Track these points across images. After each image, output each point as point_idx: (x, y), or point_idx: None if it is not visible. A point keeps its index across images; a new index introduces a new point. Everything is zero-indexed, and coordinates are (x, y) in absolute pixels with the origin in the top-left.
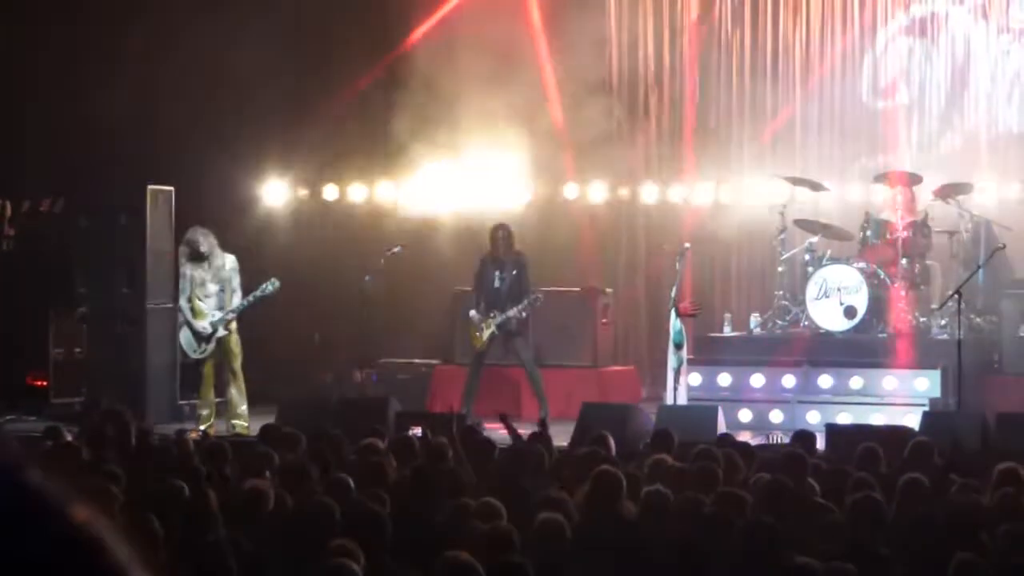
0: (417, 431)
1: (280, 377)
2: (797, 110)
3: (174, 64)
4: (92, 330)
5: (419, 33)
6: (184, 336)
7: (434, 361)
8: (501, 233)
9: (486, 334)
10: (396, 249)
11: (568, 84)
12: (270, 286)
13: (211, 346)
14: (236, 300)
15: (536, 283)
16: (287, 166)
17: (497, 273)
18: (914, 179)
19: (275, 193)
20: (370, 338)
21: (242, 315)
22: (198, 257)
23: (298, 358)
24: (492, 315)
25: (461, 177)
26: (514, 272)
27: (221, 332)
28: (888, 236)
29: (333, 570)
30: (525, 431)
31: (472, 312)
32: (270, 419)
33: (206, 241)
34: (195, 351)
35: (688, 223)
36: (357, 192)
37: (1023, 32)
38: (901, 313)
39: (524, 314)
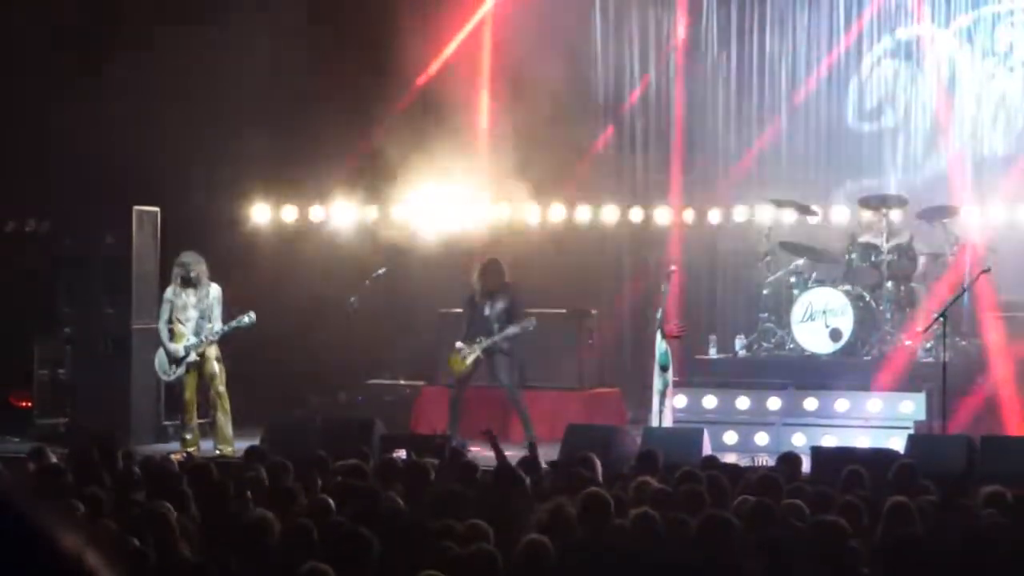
0: (401, 454)
1: (265, 399)
2: (783, 133)
3: (161, 85)
4: (76, 351)
5: (408, 57)
6: (158, 358)
7: (419, 383)
8: (492, 267)
9: (470, 359)
10: (381, 271)
11: (554, 107)
12: (246, 318)
13: (180, 370)
14: (216, 327)
15: (526, 308)
16: (273, 187)
17: (488, 303)
18: (899, 202)
19: (261, 214)
20: (355, 360)
21: (219, 341)
22: (188, 282)
23: (283, 380)
24: (478, 340)
25: (446, 199)
26: (504, 303)
27: (192, 357)
28: (873, 259)
29: None
30: (514, 454)
31: (458, 344)
32: (255, 441)
33: (197, 267)
34: (165, 373)
35: (674, 245)
36: (343, 213)
37: (1008, 55)
38: (886, 336)
39: (515, 334)
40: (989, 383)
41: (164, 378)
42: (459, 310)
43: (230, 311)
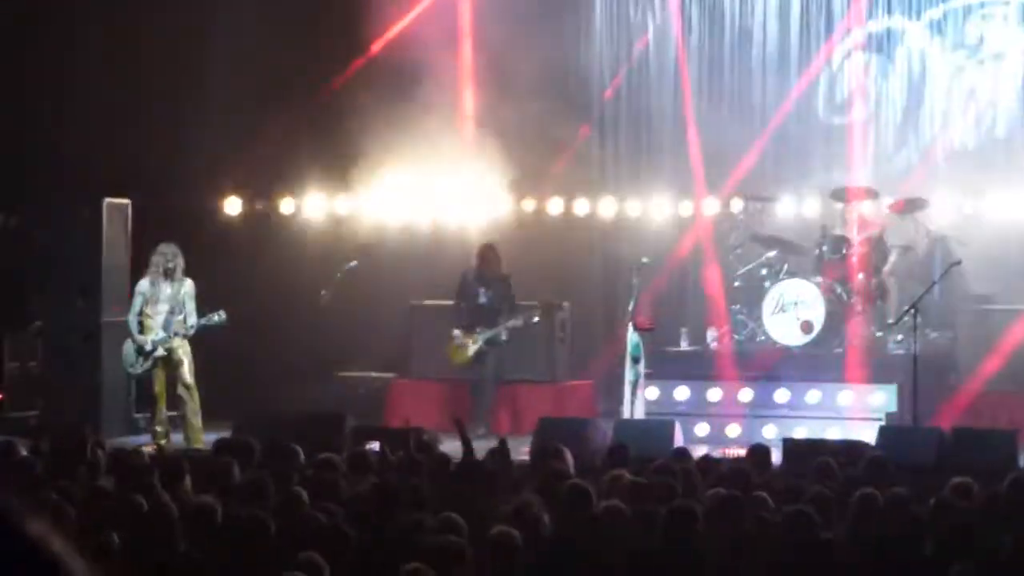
0: (374, 445)
1: (235, 392)
2: (755, 124)
3: (131, 77)
4: (47, 344)
5: (378, 45)
6: (126, 349)
7: (390, 375)
8: (491, 254)
9: (471, 349)
10: (352, 264)
11: (524, 98)
12: (216, 317)
13: (148, 363)
14: (189, 321)
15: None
16: (244, 179)
17: (482, 290)
18: (870, 194)
19: (232, 206)
20: (326, 353)
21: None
22: (165, 273)
23: (254, 373)
24: (478, 331)
25: (418, 191)
26: (499, 290)
27: (159, 352)
28: (844, 251)
29: None
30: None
31: (455, 331)
32: (226, 434)
33: (176, 260)
34: (131, 366)
35: (645, 237)
36: (314, 205)
37: (978, 48)
38: (857, 328)
39: (519, 324)
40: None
41: (130, 371)
42: (430, 302)
43: (200, 306)
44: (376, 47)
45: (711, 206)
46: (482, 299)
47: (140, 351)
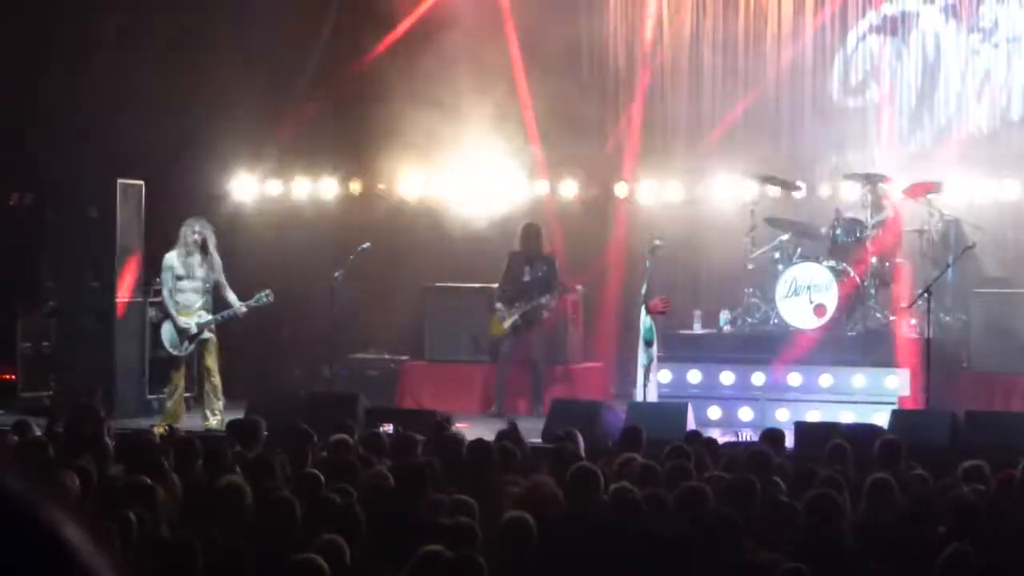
0: (388, 428)
1: (250, 373)
2: (769, 107)
3: (145, 58)
4: (60, 324)
5: (396, 30)
6: (167, 331)
7: (403, 357)
8: (534, 231)
9: (508, 322)
10: (365, 246)
11: (539, 79)
12: (265, 297)
13: (192, 346)
14: (232, 299)
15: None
16: (257, 161)
17: (527, 268)
18: (884, 178)
19: (245, 188)
20: (339, 334)
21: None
22: (202, 247)
23: (268, 354)
24: (517, 305)
25: (433, 174)
26: (544, 269)
27: (206, 335)
28: (858, 234)
29: (300, 566)
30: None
31: (498, 304)
32: (239, 415)
33: (204, 232)
34: (176, 348)
35: (659, 220)
36: (327, 187)
37: (993, 31)
38: (870, 312)
39: (554, 303)
40: (972, 358)
41: (174, 352)
42: (444, 284)
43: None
44: (402, 25)
45: (725, 188)
46: (526, 277)
47: (182, 332)
